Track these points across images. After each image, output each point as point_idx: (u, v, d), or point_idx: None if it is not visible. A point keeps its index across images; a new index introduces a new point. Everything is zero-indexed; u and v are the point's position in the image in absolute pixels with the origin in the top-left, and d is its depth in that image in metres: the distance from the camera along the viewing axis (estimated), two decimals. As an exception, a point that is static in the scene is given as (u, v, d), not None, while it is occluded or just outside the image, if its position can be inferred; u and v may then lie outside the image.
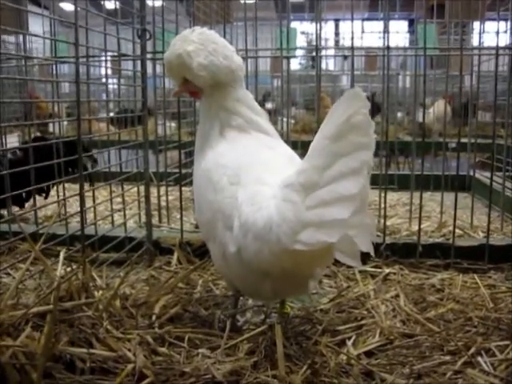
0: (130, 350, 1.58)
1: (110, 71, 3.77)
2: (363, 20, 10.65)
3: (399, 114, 7.27)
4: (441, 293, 2.44)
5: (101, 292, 1.90)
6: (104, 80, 3.56)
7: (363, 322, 2.08)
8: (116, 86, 5.06)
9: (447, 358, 1.76)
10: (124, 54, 3.06)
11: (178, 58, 1.95)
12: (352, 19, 3.00)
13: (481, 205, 4.15)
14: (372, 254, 1.53)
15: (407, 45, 11.44)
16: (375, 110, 6.12)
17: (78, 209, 2.39)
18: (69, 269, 2.10)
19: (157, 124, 3.61)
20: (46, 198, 3.79)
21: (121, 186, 3.00)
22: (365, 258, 2.44)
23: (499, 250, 2.80)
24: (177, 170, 3.56)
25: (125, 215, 3.01)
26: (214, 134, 1.98)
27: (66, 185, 3.20)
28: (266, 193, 1.69)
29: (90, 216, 3.11)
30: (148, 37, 2.79)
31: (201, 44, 1.94)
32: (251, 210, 1.68)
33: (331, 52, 15.82)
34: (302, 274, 1.79)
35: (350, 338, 1.94)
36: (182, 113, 3.53)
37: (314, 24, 2.97)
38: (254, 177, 1.79)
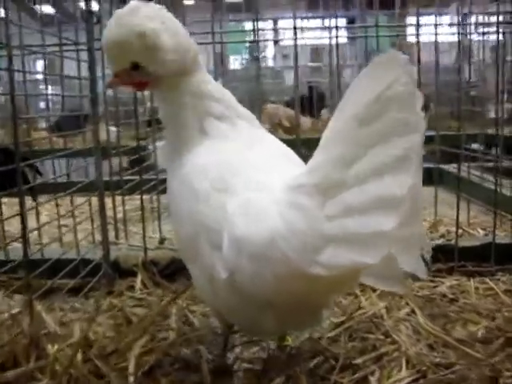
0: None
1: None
2: (302, 18, 10.52)
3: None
4: (456, 303, 2.12)
5: (56, 346, 1.43)
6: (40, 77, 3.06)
7: (383, 349, 1.72)
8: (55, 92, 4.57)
9: (502, 395, 1.43)
10: (65, 43, 2.59)
11: (139, 37, 1.44)
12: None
13: (446, 196, 3.83)
14: (423, 275, 1.17)
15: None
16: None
17: (19, 226, 1.89)
18: (10, 311, 1.63)
19: (108, 124, 3.13)
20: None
21: (70, 199, 2.53)
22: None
23: (505, 249, 2.52)
24: (131, 177, 3.12)
25: (75, 234, 2.55)
26: (192, 130, 1.56)
27: (5, 199, 2.67)
28: (264, 199, 1.29)
29: (33, 234, 2.59)
30: (95, 20, 2.35)
31: (162, 22, 1.49)
32: (246, 222, 1.28)
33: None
34: (315, 303, 1.41)
35: (372, 373, 1.58)
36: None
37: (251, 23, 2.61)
38: (245, 180, 1.39)
